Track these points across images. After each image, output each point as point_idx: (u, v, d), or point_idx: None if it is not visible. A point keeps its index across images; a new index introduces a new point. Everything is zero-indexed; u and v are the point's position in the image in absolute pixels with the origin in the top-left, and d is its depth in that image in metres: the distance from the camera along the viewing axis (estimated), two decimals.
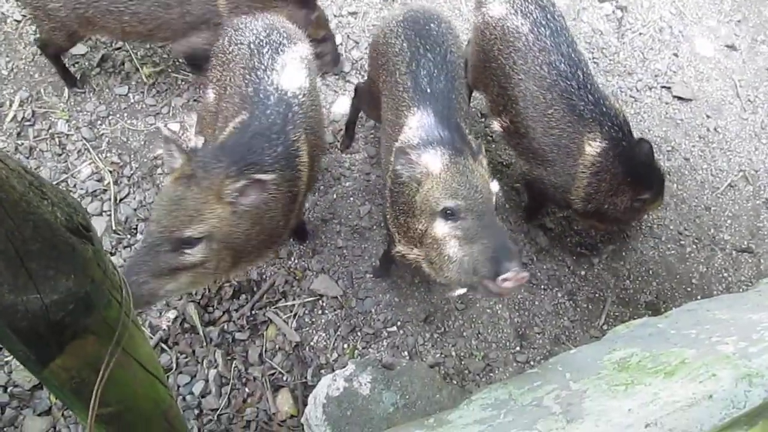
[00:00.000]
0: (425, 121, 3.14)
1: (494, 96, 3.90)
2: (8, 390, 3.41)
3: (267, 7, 3.82)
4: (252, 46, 3.32)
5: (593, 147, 3.59)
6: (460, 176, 2.85)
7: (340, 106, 4.50)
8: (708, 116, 4.84)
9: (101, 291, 1.57)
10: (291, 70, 3.25)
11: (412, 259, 3.19)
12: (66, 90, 4.31)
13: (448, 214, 2.81)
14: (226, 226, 2.75)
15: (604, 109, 3.60)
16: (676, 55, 5.07)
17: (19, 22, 4.52)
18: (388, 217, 3.33)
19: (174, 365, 3.58)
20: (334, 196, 4.19)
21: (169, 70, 4.47)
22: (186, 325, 3.70)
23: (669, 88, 4.92)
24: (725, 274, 4.27)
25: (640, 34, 5.13)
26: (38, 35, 4.19)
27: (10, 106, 4.23)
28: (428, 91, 3.26)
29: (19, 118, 4.19)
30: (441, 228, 2.84)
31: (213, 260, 2.78)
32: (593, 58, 4.95)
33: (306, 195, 3.40)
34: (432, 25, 3.51)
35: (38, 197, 1.37)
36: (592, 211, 3.78)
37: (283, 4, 3.93)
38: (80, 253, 1.46)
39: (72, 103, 4.29)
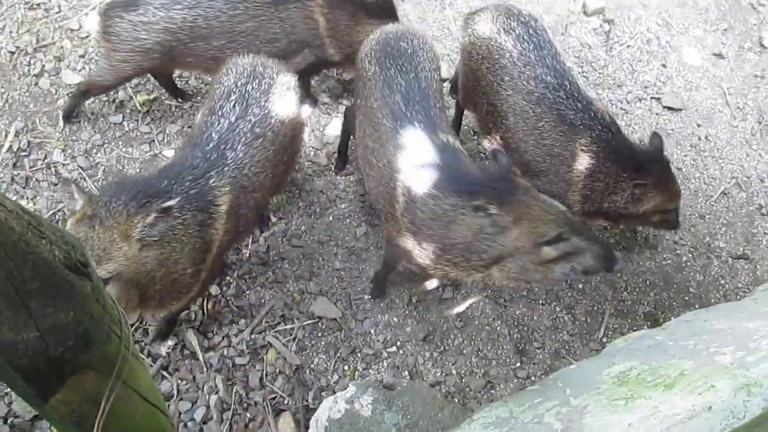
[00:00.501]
0: (462, 168, 3.18)
1: (484, 114, 3.94)
2: (8, 421, 3.41)
3: (359, 24, 4.07)
4: (226, 89, 3.39)
5: (586, 152, 3.64)
6: (542, 205, 2.99)
7: (334, 128, 4.53)
8: (698, 125, 4.87)
9: (100, 326, 1.59)
10: (245, 126, 3.29)
11: (471, 279, 3.31)
12: (61, 119, 4.34)
13: (554, 240, 2.98)
14: (133, 264, 2.75)
15: (593, 114, 3.66)
16: (664, 65, 5.12)
17: (13, 53, 4.55)
18: (428, 256, 3.28)
19: (175, 392, 3.58)
20: (330, 218, 4.20)
21: (163, 98, 4.50)
22: (186, 352, 3.71)
23: (659, 98, 4.96)
24: (722, 282, 4.29)
25: (628, 46, 5.18)
26: (100, 80, 4.17)
27: (6, 137, 4.25)
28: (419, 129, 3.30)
29: (15, 149, 4.21)
30: (550, 252, 3.00)
31: (122, 300, 2.77)
32: (582, 71, 4.99)
33: (225, 252, 3.38)
34: (402, 43, 3.55)
35: (36, 237, 1.38)
36: (593, 211, 3.81)
37: (374, 21, 4.08)
38: (79, 290, 1.47)
39: (67, 133, 4.32)
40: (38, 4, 4.81)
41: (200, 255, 3.09)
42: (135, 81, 4.53)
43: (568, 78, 3.73)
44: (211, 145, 3.19)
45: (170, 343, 3.68)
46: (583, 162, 3.66)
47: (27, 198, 4.03)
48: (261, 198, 3.42)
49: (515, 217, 2.96)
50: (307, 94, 4.52)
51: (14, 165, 4.17)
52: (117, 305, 1.68)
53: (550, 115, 3.66)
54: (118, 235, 2.69)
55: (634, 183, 3.65)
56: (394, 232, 3.38)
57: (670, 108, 4.92)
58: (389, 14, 4.18)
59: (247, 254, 4.02)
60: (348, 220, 4.21)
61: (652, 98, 4.96)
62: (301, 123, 3.76)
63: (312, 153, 4.44)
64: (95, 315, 1.54)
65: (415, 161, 3.19)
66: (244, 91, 3.37)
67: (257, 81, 3.42)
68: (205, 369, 3.65)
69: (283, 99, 3.47)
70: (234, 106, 3.32)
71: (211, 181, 3.10)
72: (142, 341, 3.68)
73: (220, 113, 3.30)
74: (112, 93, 4.47)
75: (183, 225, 2.97)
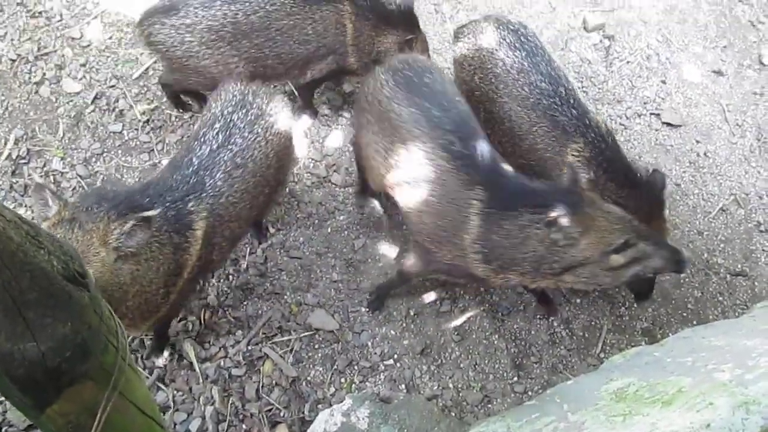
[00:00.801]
0: (532, 186, 3.30)
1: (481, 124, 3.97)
2: (3, 430, 3.39)
3: (380, 34, 4.13)
4: (212, 116, 3.41)
5: (577, 156, 3.66)
6: (607, 215, 3.15)
7: (333, 140, 4.54)
8: (697, 141, 4.88)
9: (98, 337, 1.58)
10: (225, 155, 3.30)
11: (535, 285, 3.41)
12: (61, 127, 4.34)
13: (621, 248, 3.12)
14: (108, 272, 2.73)
15: (587, 122, 3.69)
16: (663, 82, 5.13)
17: (14, 61, 4.56)
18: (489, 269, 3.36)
19: (171, 403, 3.56)
20: (329, 230, 4.20)
21: (163, 107, 4.50)
22: (183, 362, 3.69)
23: (658, 114, 4.96)
24: (720, 299, 4.28)
25: (628, 62, 5.19)
26: (181, 84, 4.27)
27: (5, 144, 4.25)
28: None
29: (14, 157, 4.21)
30: (618, 260, 3.15)
31: None
32: (582, 87, 5.00)
33: (196, 279, 3.36)
34: (425, 79, 3.55)
35: (35, 247, 1.38)
36: None
37: (395, 31, 4.14)
38: (77, 300, 1.47)
39: (67, 141, 4.32)
40: (40, 13, 4.82)
41: (172, 278, 3.10)
42: (135, 89, 4.54)
43: (563, 84, 3.77)
44: (190, 169, 3.21)
45: (167, 354, 3.67)
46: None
47: (25, 206, 4.02)
48: (237, 228, 3.42)
49: (584, 228, 3.11)
50: (308, 106, 4.53)
51: (13, 173, 4.17)
52: (114, 316, 1.67)
53: (545, 119, 3.70)
54: (96, 239, 2.69)
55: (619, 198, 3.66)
56: (453, 255, 3.41)
57: (669, 124, 4.92)
58: (411, 24, 4.21)
59: (245, 265, 4.02)
60: (346, 232, 4.20)
61: (651, 114, 4.97)
62: (289, 155, 3.75)
63: (311, 164, 4.44)
64: (93, 325, 1.54)
65: (486, 187, 3.26)
66: (229, 120, 3.38)
67: (244, 110, 3.43)
68: (201, 380, 3.64)
69: (269, 130, 3.47)
70: (217, 134, 3.33)
71: (189, 205, 3.11)
72: (137, 351, 3.67)
73: (203, 140, 3.32)
74: (112, 102, 4.48)
75: (159, 244, 2.97)
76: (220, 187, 3.23)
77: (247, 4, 3.91)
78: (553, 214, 3.06)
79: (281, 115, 3.58)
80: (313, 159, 4.47)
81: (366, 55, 4.21)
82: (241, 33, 3.93)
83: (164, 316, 3.31)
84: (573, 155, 3.65)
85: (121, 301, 2.87)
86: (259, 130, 3.42)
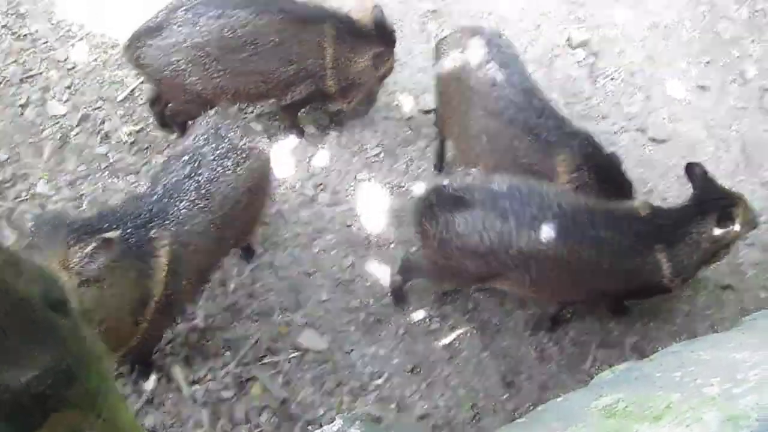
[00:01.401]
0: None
1: (460, 139, 4.00)
2: None
3: (358, 55, 4.18)
4: (183, 147, 3.44)
5: (565, 166, 3.70)
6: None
7: (320, 159, 4.55)
8: (683, 156, 4.90)
9: (81, 362, 1.56)
10: (191, 185, 3.29)
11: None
12: (46, 150, 4.32)
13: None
14: (71, 298, 2.71)
15: (567, 129, 3.77)
16: (648, 97, 5.17)
17: (5, 84, 4.55)
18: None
19: (160, 427, 3.52)
20: (317, 249, 4.19)
21: (149, 129, 4.49)
22: (171, 385, 3.66)
23: (644, 130, 5.00)
24: (709, 313, 4.29)
25: (612, 78, 5.23)
26: (172, 107, 4.28)
27: None
28: None
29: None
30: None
31: None
32: (567, 103, 5.03)
33: (169, 309, 3.32)
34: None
35: (14, 274, 1.37)
36: None
37: (372, 48, 4.20)
38: (58, 327, 1.45)
39: (52, 164, 4.30)
40: (25, 35, 4.81)
41: (139, 307, 3.08)
42: (121, 111, 4.53)
43: (537, 95, 3.81)
44: (154, 197, 3.21)
45: (154, 377, 3.64)
46: (564, 177, 3.73)
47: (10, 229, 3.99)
48: (205, 258, 3.41)
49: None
50: (294, 125, 4.53)
51: None
52: (96, 341, 1.66)
53: (523, 132, 3.73)
54: (57, 264, 2.68)
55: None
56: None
57: (654, 140, 4.96)
58: (387, 40, 4.25)
59: (233, 286, 4.00)
60: (334, 252, 4.19)
61: (637, 130, 5.00)
62: (262, 191, 3.75)
63: (298, 184, 4.43)
64: (76, 352, 1.52)
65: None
66: (199, 152, 3.39)
67: (216, 143, 3.43)
68: (190, 403, 3.60)
69: (240, 165, 3.46)
70: (185, 165, 3.34)
71: (151, 233, 3.10)
72: (124, 375, 3.63)
73: (170, 170, 3.34)
74: (98, 124, 4.47)
75: (122, 269, 2.95)
76: (184, 215, 3.21)
77: (234, 18, 3.91)
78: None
79: (255, 151, 3.57)
80: (299, 179, 4.46)
81: (344, 79, 4.24)
82: (228, 48, 3.93)
83: (139, 346, 3.27)
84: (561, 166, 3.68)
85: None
86: (229, 164, 3.41)
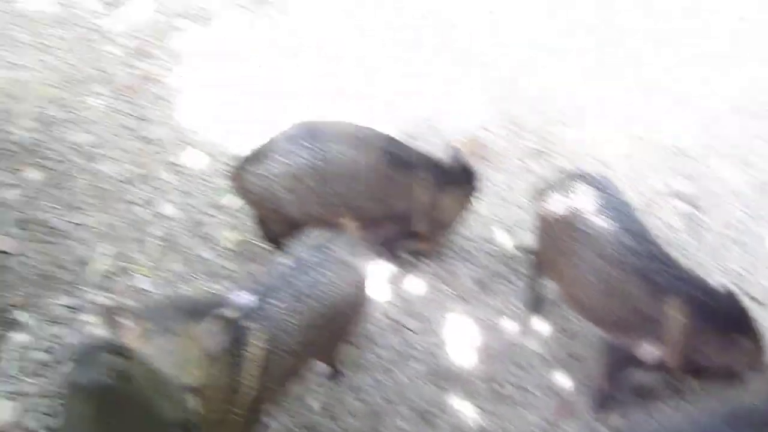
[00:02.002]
0: None
1: (567, 282, 3.96)
2: None
3: (447, 197, 4.32)
4: (286, 252, 3.57)
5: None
6: None
7: (411, 285, 4.56)
8: None
9: None
10: (288, 288, 3.34)
11: None
12: (151, 248, 4.48)
13: None
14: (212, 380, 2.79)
15: (679, 273, 3.71)
16: (750, 255, 5.04)
17: (120, 181, 4.80)
18: None
19: None
20: (402, 376, 4.13)
21: (254, 240, 4.61)
22: None
23: (744, 288, 4.83)
24: None
25: (714, 231, 5.15)
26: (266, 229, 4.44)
27: (98, 259, 4.39)
28: None
29: (103, 272, 4.33)
30: None
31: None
32: None
33: (256, 408, 3.27)
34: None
35: (160, 396, 1.40)
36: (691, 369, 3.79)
37: (456, 190, 4.37)
38: None
39: (155, 262, 4.44)
40: (144, 137, 5.13)
41: (228, 394, 3.02)
42: (228, 218, 4.69)
43: (647, 238, 3.77)
44: (251, 298, 3.25)
45: None
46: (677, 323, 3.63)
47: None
48: (292, 362, 3.36)
49: None
50: (389, 252, 4.58)
51: (100, 287, 4.28)
52: None
53: (634, 276, 3.66)
54: (191, 342, 2.72)
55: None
56: None
57: (755, 299, 4.78)
58: (469, 181, 4.34)
59: (313, 405, 3.96)
60: (420, 382, 4.12)
61: (736, 287, 4.84)
62: (357, 306, 3.75)
63: (388, 307, 4.44)
64: None
65: None
66: (301, 258, 3.48)
67: (318, 252, 3.53)
68: None
69: (339, 275, 3.51)
70: (287, 268, 3.43)
71: (242, 324, 3.10)
72: None
73: (272, 271, 3.45)
74: (204, 229, 4.62)
75: (216, 359, 2.92)
76: (278, 313, 3.24)
77: (337, 153, 4.04)
78: None
79: (356, 266, 3.63)
80: (389, 302, 4.47)
81: (431, 220, 4.33)
82: (325, 179, 4.06)
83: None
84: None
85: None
86: (329, 274, 3.46)
